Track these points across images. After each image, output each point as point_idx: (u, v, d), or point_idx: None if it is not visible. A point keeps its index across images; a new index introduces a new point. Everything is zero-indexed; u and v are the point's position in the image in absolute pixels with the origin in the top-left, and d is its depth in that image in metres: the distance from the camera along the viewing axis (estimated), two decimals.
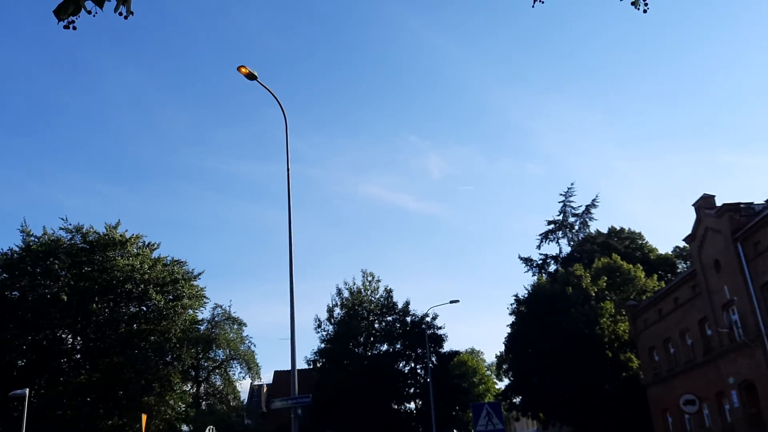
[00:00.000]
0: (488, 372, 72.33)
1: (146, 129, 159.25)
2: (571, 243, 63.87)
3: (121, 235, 50.71)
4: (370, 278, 50.89)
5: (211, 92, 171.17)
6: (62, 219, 61.86)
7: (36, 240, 49.50)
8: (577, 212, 65.19)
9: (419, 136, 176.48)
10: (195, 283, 52.57)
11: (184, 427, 47.24)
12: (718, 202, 28.24)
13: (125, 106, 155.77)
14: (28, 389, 30.04)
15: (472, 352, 74.56)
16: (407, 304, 49.58)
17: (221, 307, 53.64)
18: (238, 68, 19.56)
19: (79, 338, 51.72)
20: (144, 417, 32.01)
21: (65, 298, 45.22)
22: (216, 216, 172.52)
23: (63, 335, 50.31)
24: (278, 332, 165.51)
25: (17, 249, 49.39)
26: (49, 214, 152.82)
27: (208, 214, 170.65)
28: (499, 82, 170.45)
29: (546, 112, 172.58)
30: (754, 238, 25.31)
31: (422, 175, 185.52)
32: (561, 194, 65.91)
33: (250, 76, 19.69)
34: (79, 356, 51.70)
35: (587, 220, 65.00)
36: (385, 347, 48.84)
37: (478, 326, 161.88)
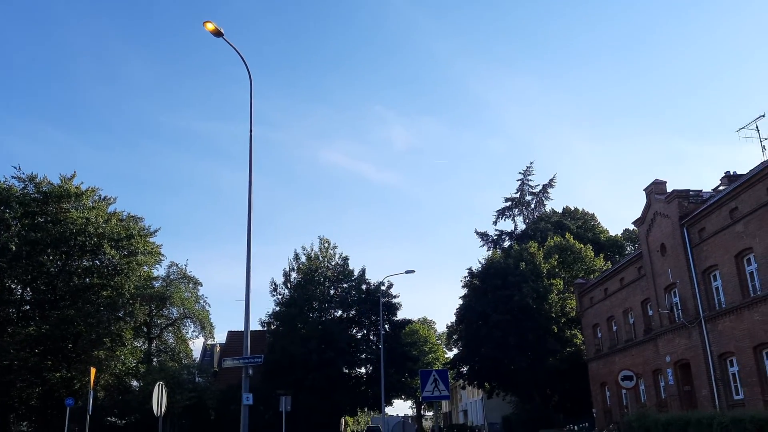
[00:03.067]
0: (438, 341, 73.83)
1: (107, 80, 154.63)
2: (527, 220, 65.23)
3: (76, 188, 49.63)
4: (326, 245, 51.19)
5: (176, 47, 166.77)
6: (15, 167, 60.18)
7: None
8: (534, 191, 66.46)
9: (384, 105, 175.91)
10: (151, 240, 52.01)
11: (134, 382, 47.22)
12: (669, 188, 29.24)
13: (86, 54, 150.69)
14: None
15: (424, 322, 75.90)
16: (363, 271, 50.18)
17: (177, 265, 53.35)
18: (204, 23, 19.31)
19: (28, 289, 50.80)
20: (93, 370, 31.87)
21: (14, 248, 44.30)
22: (175, 174, 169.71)
23: (12, 285, 49.34)
24: (234, 293, 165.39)
25: None
26: (1, 161, 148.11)
27: (167, 171, 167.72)
28: (464, 55, 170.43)
29: (510, 87, 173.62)
30: (700, 224, 26.36)
31: (385, 145, 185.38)
32: (520, 172, 67.08)
33: (217, 33, 19.45)
34: (28, 307, 50.85)
35: (543, 199, 66.38)
36: (339, 313, 49.44)
37: (431, 297, 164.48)
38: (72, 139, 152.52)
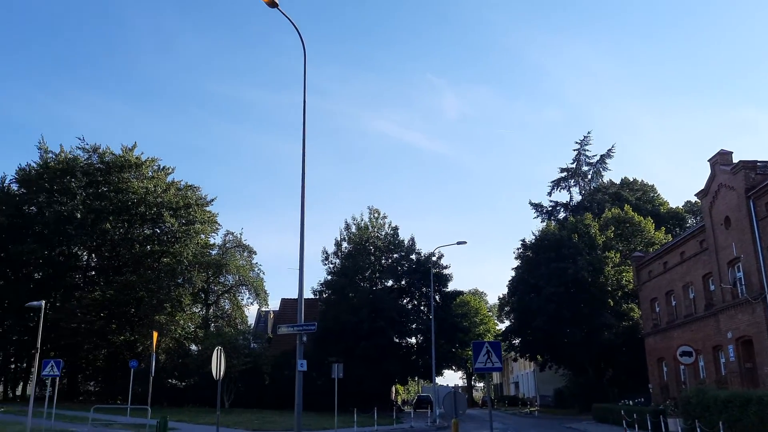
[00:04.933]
0: (490, 313, 73.61)
1: (163, 51, 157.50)
2: (583, 192, 63.80)
3: (137, 158, 51.17)
4: (376, 215, 51.26)
5: (229, 17, 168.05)
6: (79, 138, 62.55)
7: (53, 157, 50.11)
8: (591, 161, 64.81)
9: (436, 74, 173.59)
10: (208, 209, 53.38)
11: (193, 346, 48.88)
12: (735, 159, 28.00)
13: (143, 27, 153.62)
14: (44, 301, 30.97)
15: (476, 293, 75.74)
16: (413, 242, 50.08)
17: (233, 234, 54.63)
18: None
19: (93, 255, 53.02)
20: (155, 334, 33.16)
21: (79, 216, 46.07)
22: (229, 143, 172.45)
23: (78, 252, 51.53)
24: (287, 262, 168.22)
25: (35, 165, 50.08)
26: (66, 132, 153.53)
27: (222, 141, 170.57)
28: (521, 23, 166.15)
29: (568, 56, 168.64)
30: (767, 197, 25.23)
31: (436, 114, 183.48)
32: (577, 142, 65.50)
33: (271, 4, 19.40)
34: (93, 273, 53.14)
35: (601, 169, 64.68)
36: (389, 283, 49.63)
37: (482, 268, 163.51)
38: (132, 109, 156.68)
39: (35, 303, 29.44)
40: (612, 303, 43.59)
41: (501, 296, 55.99)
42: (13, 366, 53.68)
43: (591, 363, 45.57)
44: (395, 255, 49.82)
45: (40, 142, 51.31)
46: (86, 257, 53.20)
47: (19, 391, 54.40)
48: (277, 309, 58.58)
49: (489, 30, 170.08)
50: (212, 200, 54.02)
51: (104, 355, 50.26)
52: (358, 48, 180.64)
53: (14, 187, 50.74)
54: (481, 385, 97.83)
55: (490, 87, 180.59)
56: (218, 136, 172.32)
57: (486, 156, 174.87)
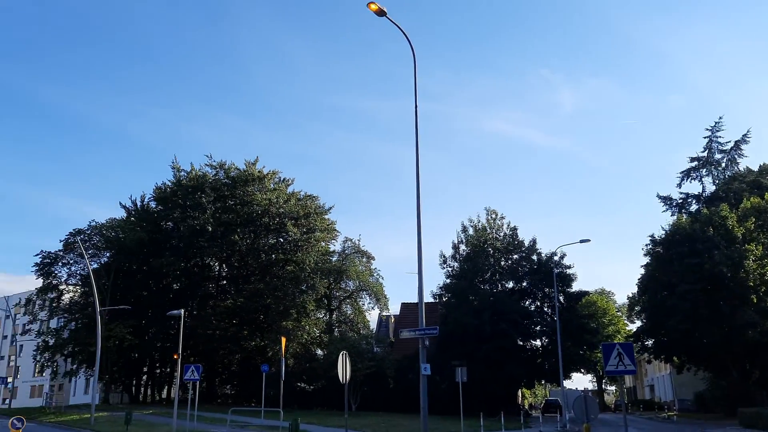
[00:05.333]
0: (618, 313, 70.29)
1: (276, 67, 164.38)
2: (716, 181, 59.34)
3: (259, 171, 53.87)
4: (494, 216, 50.47)
5: (338, 28, 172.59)
6: (207, 156, 66.88)
7: (185, 175, 53.90)
8: (724, 148, 60.16)
9: (550, 68, 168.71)
10: (327, 217, 55.06)
11: (318, 351, 50.41)
12: None
13: (256, 45, 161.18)
14: (183, 310, 33.22)
15: (602, 293, 72.52)
16: (534, 242, 48.89)
17: (351, 240, 55.80)
18: (368, 4, 19.58)
19: (224, 266, 56.32)
20: (283, 339, 34.51)
21: (210, 229, 49.11)
22: (344, 152, 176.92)
23: (210, 262, 54.97)
24: (405, 266, 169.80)
25: (169, 183, 54.09)
26: (195, 151, 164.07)
27: (336, 151, 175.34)
28: (634, 6, 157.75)
29: (689, 37, 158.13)
30: None
31: (552, 109, 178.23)
32: (707, 129, 60.96)
33: (380, 12, 19.66)
34: (224, 282, 56.39)
35: (736, 156, 59.85)
36: (510, 285, 48.68)
37: (608, 266, 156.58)
38: (252, 125, 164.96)
39: (175, 312, 31.66)
40: (755, 299, 40.15)
41: (630, 295, 53.20)
42: (158, 371, 57.95)
43: (734, 364, 42.25)
44: (515, 256, 48.85)
45: (173, 162, 55.28)
46: (218, 267, 56.61)
47: (164, 394, 58.62)
48: (398, 313, 59.14)
49: (603, 19, 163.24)
50: (330, 208, 55.73)
51: (238, 360, 53.06)
52: (468, 49, 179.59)
53: (152, 204, 55.04)
54: (613, 388, 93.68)
55: (608, 77, 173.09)
56: (333, 145, 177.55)
57: (607, 149, 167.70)
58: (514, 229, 49.71)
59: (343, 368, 21.61)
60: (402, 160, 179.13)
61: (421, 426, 18.60)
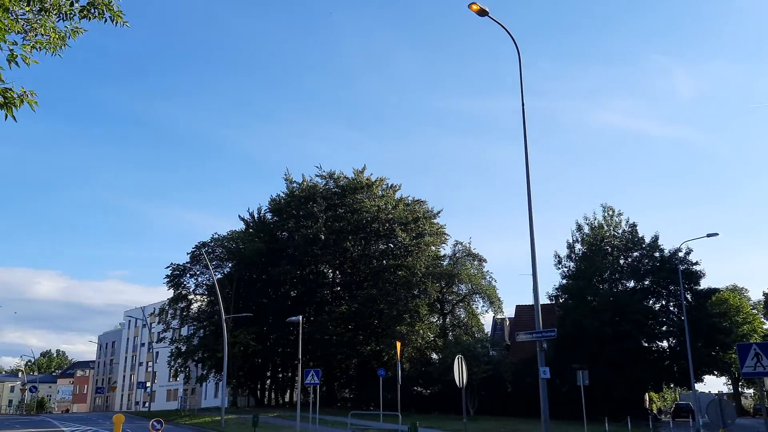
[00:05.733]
0: (754, 311, 65.24)
1: (379, 74, 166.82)
2: None
3: (367, 179, 54.93)
4: (610, 212, 48.37)
5: (439, 31, 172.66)
6: (317, 167, 69.13)
7: (297, 186, 56.03)
8: None
9: (662, 53, 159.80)
10: (435, 221, 55.10)
11: (433, 355, 50.41)
12: None
13: (359, 56, 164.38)
14: (301, 316, 34.38)
15: (734, 290, 67.60)
16: (656, 238, 46.34)
17: (461, 243, 55.45)
18: (470, 5, 19.43)
19: (337, 272, 57.81)
20: (399, 344, 34.87)
21: (323, 237, 50.64)
22: (450, 155, 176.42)
23: (324, 270, 56.61)
24: (517, 268, 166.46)
25: (283, 195, 56.45)
26: (306, 162, 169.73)
27: (442, 153, 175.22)
28: None
29: None
30: None
31: (667, 96, 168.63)
32: None
33: (481, 12, 19.46)
34: (338, 288, 57.87)
35: None
36: (631, 284, 46.47)
37: (740, 261, 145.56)
38: (358, 134, 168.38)
39: (294, 318, 32.86)
40: None
41: (767, 292, 49.18)
42: (280, 375, 60.32)
43: None
44: (635, 253, 46.58)
45: (285, 174, 57.58)
46: (331, 274, 58.20)
47: (287, 398, 60.90)
48: (512, 316, 58.07)
49: None
50: (439, 212, 55.73)
51: (355, 364, 54.20)
52: (572, 41, 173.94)
53: (268, 216, 57.61)
54: (751, 391, 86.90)
55: (728, 59, 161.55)
56: (440, 149, 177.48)
57: (732, 136, 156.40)
58: (634, 225, 47.42)
59: (460, 372, 21.52)
60: (508, 159, 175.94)
61: (543, 430, 18.14)
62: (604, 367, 39.58)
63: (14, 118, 4.26)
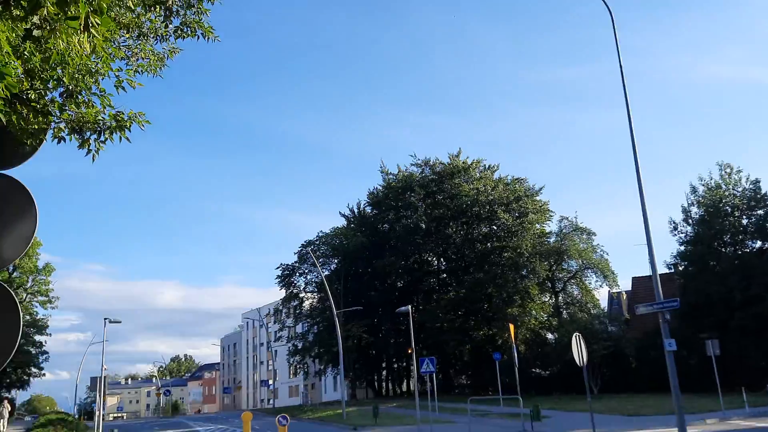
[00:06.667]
0: None
1: (465, 55, 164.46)
2: None
3: (463, 162, 54.39)
4: (728, 170, 45.21)
5: (524, 1, 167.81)
6: (411, 156, 69.19)
7: (394, 177, 56.37)
8: None
9: None
10: (538, 198, 53.71)
11: (549, 335, 49.31)
12: None
13: (441, 33, 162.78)
14: (409, 306, 34.60)
15: None
16: None
17: (567, 218, 53.78)
18: None
19: (442, 260, 57.77)
20: (512, 327, 34.34)
21: (423, 225, 50.74)
22: (546, 128, 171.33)
23: (428, 258, 56.74)
24: (630, 239, 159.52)
25: (380, 188, 57.02)
26: (400, 152, 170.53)
27: (538, 128, 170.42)
28: None
29: None
30: None
31: None
32: None
33: None
34: (444, 275, 57.80)
35: None
36: (758, 244, 43.33)
37: None
38: (448, 118, 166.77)
39: (403, 308, 33.09)
40: None
41: None
42: (395, 365, 61.18)
43: None
44: (759, 211, 43.34)
45: (381, 167, 58.09)
46: (436, 262, 58.22)
47: (404, 387, 61.69)
48: (629, 289, 55.72)
49: None
50: (541, 189, 54.33)
51: (468, 350, 54.00)
52: None
53: (368, 210, 58.44)
54: None
55: None
56: (535, 123, 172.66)
57: None
58: (756, 181, 44.02)
59: (579, 350, 20.88)
60: (608, 126, 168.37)
61: (674, 405, 17.35)
62: (735, 334, 37.25)
63: (128, 140, 4.46)
